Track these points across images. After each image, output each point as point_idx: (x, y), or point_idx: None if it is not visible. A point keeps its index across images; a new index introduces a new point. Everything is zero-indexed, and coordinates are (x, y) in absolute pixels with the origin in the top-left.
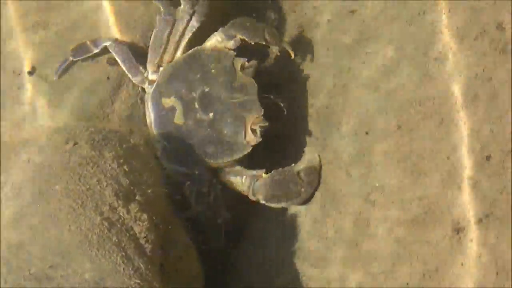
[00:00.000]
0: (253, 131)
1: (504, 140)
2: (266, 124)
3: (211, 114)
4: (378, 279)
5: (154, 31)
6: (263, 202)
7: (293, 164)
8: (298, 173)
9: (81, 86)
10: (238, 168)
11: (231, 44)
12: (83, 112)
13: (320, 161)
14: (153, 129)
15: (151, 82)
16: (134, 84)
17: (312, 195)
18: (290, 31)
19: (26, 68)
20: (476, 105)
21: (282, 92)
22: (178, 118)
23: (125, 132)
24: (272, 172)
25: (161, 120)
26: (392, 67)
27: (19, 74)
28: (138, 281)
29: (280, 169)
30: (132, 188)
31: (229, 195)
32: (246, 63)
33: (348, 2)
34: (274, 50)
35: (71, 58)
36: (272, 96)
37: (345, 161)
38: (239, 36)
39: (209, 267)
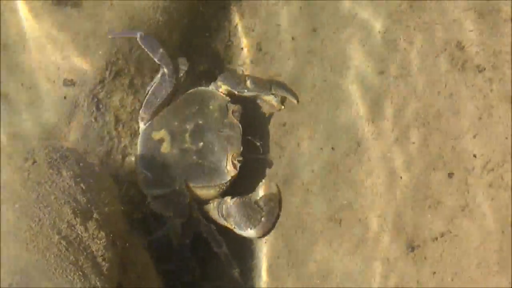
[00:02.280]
0: (233, 164)
1: (466, 157)
2: (241, 159)
3: (201, 144)
4: None
5: (155, 86)
6: (234, 227)
7: (250, 195)
8: (257, 201)
9: (39, 105)
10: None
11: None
12: (42, 131)
13: (278, 190)
14: (138, 162)
15: (146, 122)
16: (88, 104)
17: (273, 224)
18: (253, 50)
19: None
20: (438, 122)
21: (248, 107)
22: (165, 148)
23: (81, 151)
24: (236, 197)
25: (148, 151)
26: (354, 82)
27: None
28: None
29: (241, 196)
30: (89, 206)
31: None
32: (236, 107)
33: (310, 21)
34: (267, 98)
35: (137, 36)
36: (250, 138)
37: (308, 178)
38: (223, 87)
39: None
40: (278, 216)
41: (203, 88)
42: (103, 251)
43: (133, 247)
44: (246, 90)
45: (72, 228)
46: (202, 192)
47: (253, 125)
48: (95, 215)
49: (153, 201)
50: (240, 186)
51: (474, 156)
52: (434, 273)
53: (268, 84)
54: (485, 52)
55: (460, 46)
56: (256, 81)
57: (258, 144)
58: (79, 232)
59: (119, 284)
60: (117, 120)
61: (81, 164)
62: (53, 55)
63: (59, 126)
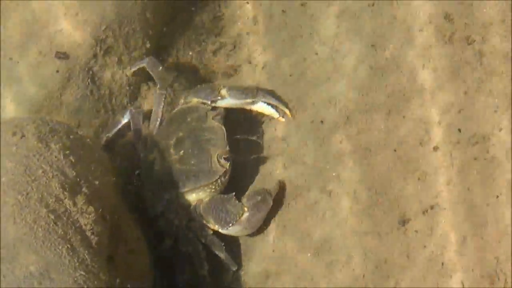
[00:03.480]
0: (220, 163)
1: (451, 131)
2: (228, 156)
3: (181, 152)
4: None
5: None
6: (216, 227)
7: (233, 193)
8: (241, 198)
9: (30, 79)
10: None
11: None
12: (32, 105)
13: (280, 185)
14: (144, 185)
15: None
16: (83, 78)
17: (261, 220)
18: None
19: None
20: (424, 96)
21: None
22: (157, 165)
23: (73, 124)
24: (214, 196)
25: (147, 172)
26: (340, 58)
27: None
28: (83, 273)
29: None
30: (78, 179)
31: None
32: (215, 113)
33: None
34: (258, 108)
35: (146, 63)
36: (239, 136)
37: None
38: (194, 100)
39: None
40: (267, 210)
41: (184, 106)
42: (92, 225)
43: (125, 221)
44: (220, 98)
45: (60, 202)
46: (192, 197)
47: (248, 123)
48: (84, 189)
49: (159, 219)
50: (235, 188)
51: (459, 130)
52: (425, 247)
53: (253, 91)
54: (474, 24)
55: (448, 18)
56: (235, 88)
57: (255, 138)
58: (68, 206)
59: (110, 258)
60: (111, 93)
61: (71, 136)
62: (45, 28)
63: (50, 99)
